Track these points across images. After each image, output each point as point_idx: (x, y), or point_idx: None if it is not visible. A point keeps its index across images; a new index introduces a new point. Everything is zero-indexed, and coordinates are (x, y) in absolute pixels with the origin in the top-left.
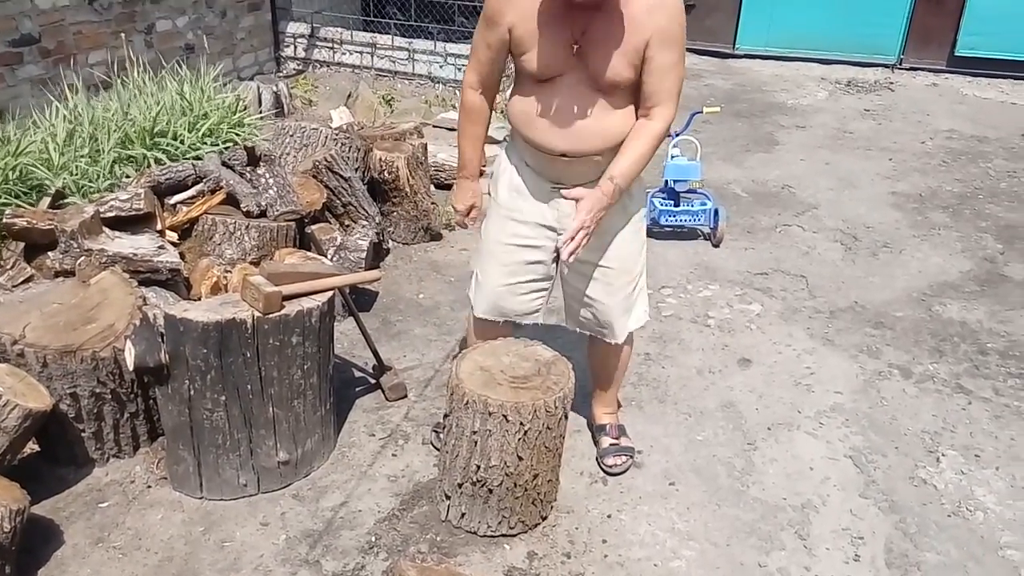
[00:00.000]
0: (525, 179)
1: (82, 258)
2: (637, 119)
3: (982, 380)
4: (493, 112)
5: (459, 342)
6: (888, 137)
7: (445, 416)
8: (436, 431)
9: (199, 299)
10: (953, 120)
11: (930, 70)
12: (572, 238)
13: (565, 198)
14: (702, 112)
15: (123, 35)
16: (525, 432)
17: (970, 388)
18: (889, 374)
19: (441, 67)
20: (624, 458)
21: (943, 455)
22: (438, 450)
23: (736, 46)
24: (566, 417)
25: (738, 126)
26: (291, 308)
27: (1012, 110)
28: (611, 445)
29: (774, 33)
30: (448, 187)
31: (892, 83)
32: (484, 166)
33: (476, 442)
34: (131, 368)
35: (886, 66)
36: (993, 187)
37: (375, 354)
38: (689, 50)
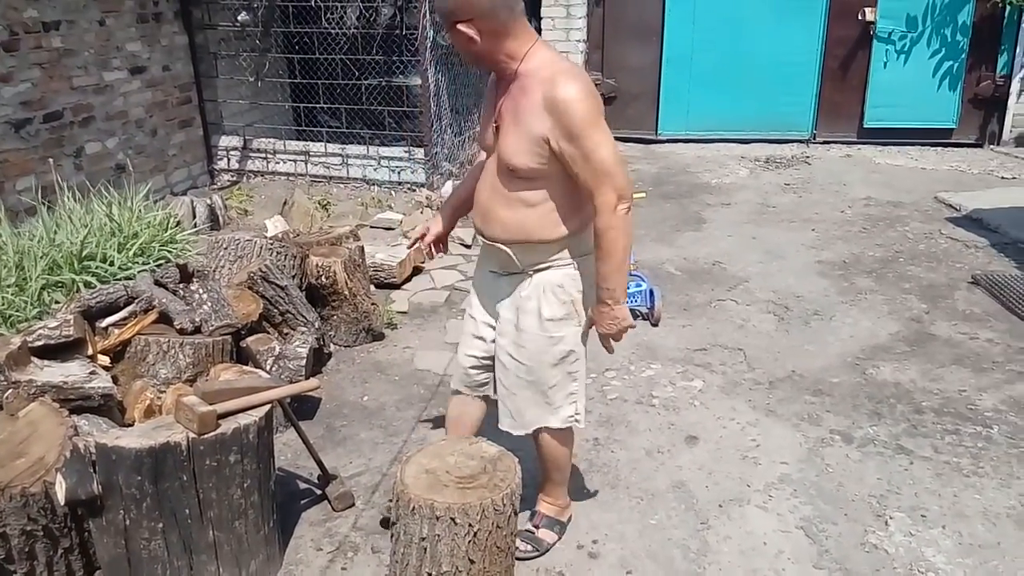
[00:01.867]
0: (481, 259)
1: (9, 391)
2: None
3: (921, 439)
4: None
5: (405, 443)
6: (809, 208)
7: (391, 523)
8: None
9: (133, 423)
10: (869, 188)
11: (843, 142)
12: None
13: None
14: None
15: (51, 160)
16: (475, 534)
17: (910, 448)
18: (831, 440)
19: (375, 170)
20: (528, 547)
21: (891, 518)
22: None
23: (658, 132)
24: (516, 514)
25: (667, 207)
26: (227, 426)
27: (922, 174)
28: (525, 531)
29: (693, 118)
30: (388, 286)
31: (808, 157)
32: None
33: (426, 548)
34: (62, 502)
35: (801, 141)
36: (912, 249)
37: (319, 464)
38: (615, 138)
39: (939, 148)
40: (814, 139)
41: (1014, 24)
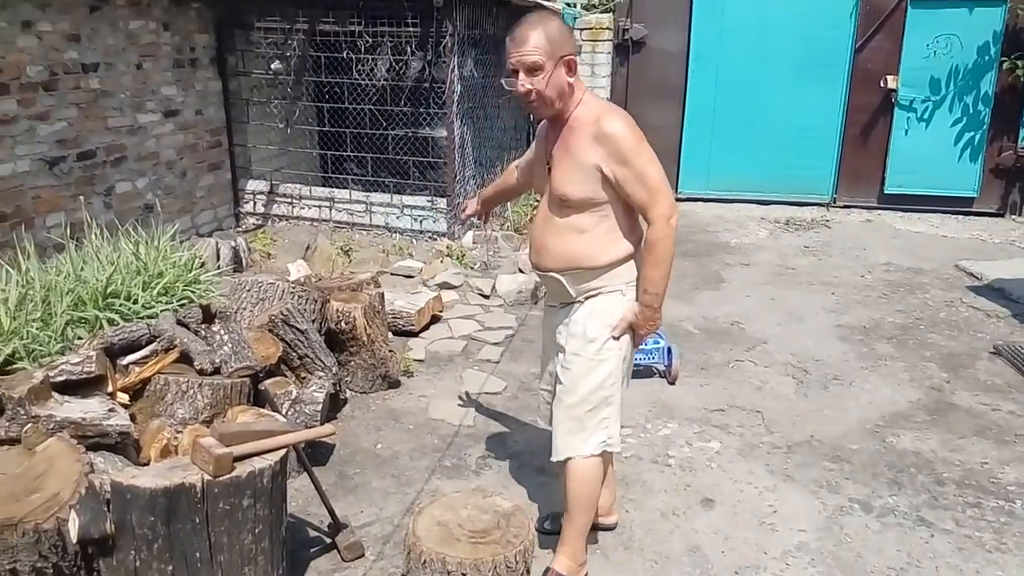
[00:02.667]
0: (546, 297)
1: (29, 425)
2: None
3: (942, 511)
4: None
5: (418, 494)
6: (829, 272)
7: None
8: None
9: (148, 463)
10: (889, 253)
11: (863, 207)
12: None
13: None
14: None
15: (82, 198)
16: None
17: (931, 520)
18: (850, 509)
19: (398, 218)
20: None
21: None
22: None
23: (678, 190)
24: (528, 572)
25: (686, 265)
26: (242, 469)
27: (943, 242)
28: None
29: (713, 177)
30: (406, 334)
31: (828, 220)
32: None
33: None
34: (74, 540)
35: (821, 204)
36: (933, 317)
37: (330, 512)
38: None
39: (960, 216)
40: (834, 203)
41: None
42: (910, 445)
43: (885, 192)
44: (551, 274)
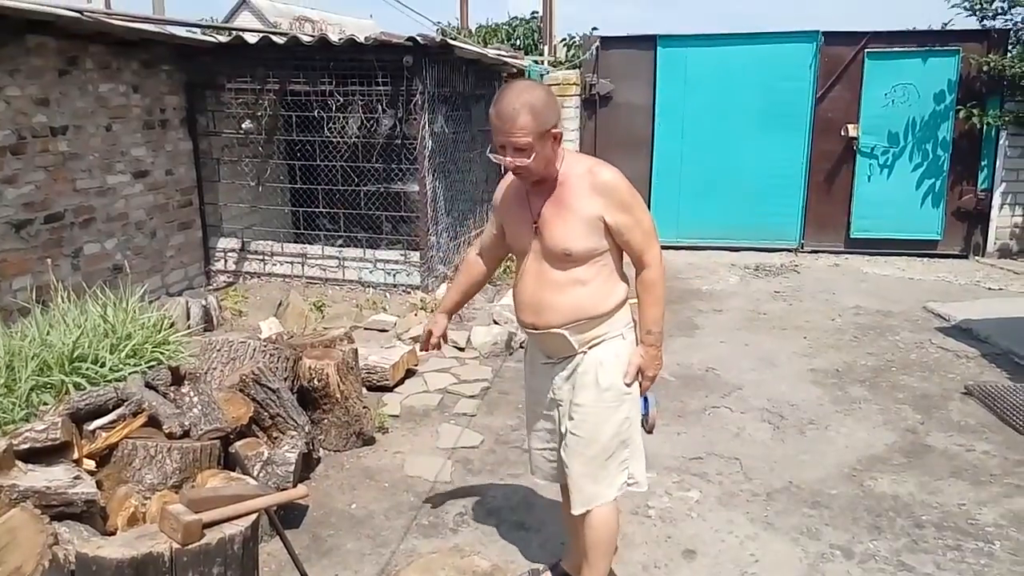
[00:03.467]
0: (530, 354)
1: None
2: (636, 274)
3: (922, 555)
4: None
5: (393, 554)
6: (800, 316)
7: None
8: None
9: (115, 531)
10: (858, 297)
11: (831, 251)
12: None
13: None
14: None
15: (49, 260)
16: None
17: (912, 564)
18: (832, 555)
19: (371, 272)
20: None
21: None
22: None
23: None
24: None
25: None
26: (212, 536)
27: (910, 284)
28: None
29: (683, 225)
30: (380, 388)
31: (797, 265)
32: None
33: None
34: None
35: (790, 250)
36: (904, 358)
37: None
38: None
39: (925, 259)
40: (802, 248)
41: (992, 140)
42: (888, 488)
43: (851, 236)
44: (552, 331)
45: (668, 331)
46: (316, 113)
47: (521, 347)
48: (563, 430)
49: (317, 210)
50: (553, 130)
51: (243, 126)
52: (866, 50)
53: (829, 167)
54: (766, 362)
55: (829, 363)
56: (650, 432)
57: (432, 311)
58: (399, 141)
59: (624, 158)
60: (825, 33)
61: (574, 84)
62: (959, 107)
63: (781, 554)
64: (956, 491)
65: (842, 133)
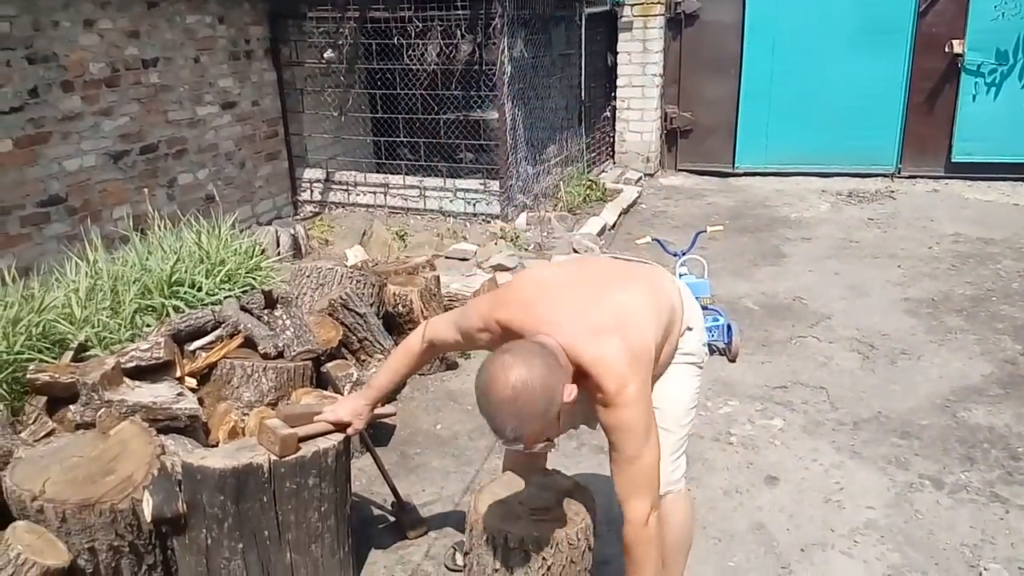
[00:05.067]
0: None
1: (102, 409)
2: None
3: (1017, 487)
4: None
5: (478, 472)
6: (894, 244)
7: (465, 554)
8: (455, 548)
9: (217, 445)
10: (957, 224)
11: (930, 177)
12: None
13: None
14: (706, 231)
15: (146, 190)
16: (548, 567)
17: (1006, 496)
18: (921, 486)
19: (451, 201)
20: None
21: (985, 569)
22: (452, 571)
23: (736, 165)
24: (590, 549)
25: (744, 241)
26: (307, 449)
27: (1015, 211)
28: None
29: (772, 151)
30: None
31: (893, 191)
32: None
33: None
34: (149, 519)
35: (885, 175)
36: (1006, 288)
37: (393, 490)
38: (690, 171)
39: None
40: (899, 173)
41: None
42: (983, 420)
43: (952, 161)
44: None
45: (753, 260)
46: (396, 40)
47: None
48: None
49: (398, 139)
50: (559, 409)
51: (325, 55)
52: None
53: (931, 86)
54: (857, 291)
55: (924, 292)
56: (733, 361)
57: (513, 240)
58: (478, 67)
59: (710, 80)
60: None
61: (658, 3)
62: None
63: (867, 482)
64: None
65: (946, 50)
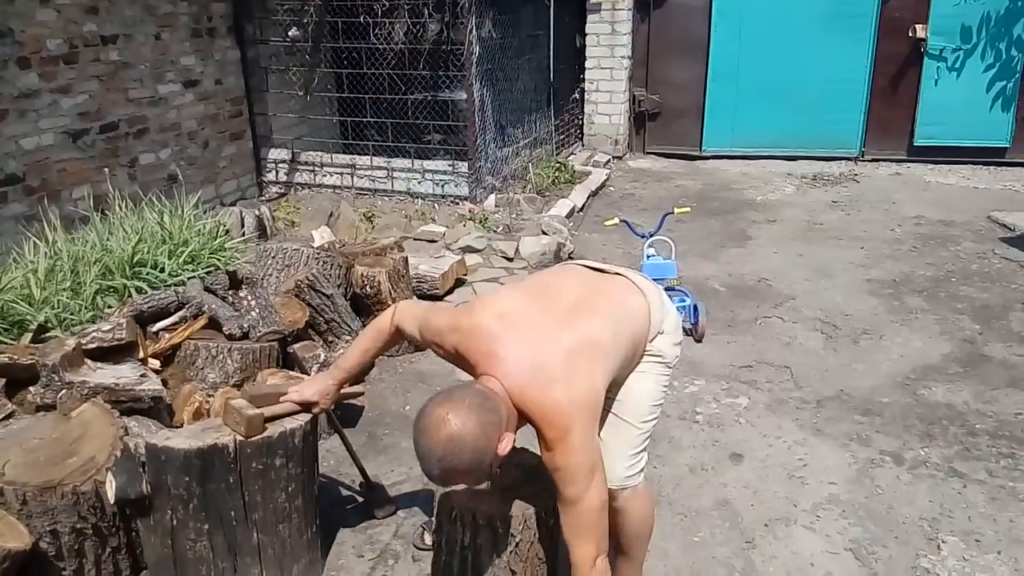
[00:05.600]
0: None
1: (63, 391)
2: None
3: (975, 462)
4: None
5: None
6: (858, 226)
7: (433, 533)
8: (424, 527)
9: (181, 426)
10: (919, 207)
11: (892, 160)
12: None
13: None
14: (673, 213)
15: (106, 170)
16: (516, 544)
17: (964, 471)
18: (882, 461)
19: (419, 183)
20: None
21: (943, 542)
22: (421, 550)
23: (703, 148)
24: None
25: (711, 223)
26: (274, 429)
27: (974, 194)
28: None
29: (738, 134)
30: (430, 298)
31: (857, 175)
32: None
33: (467, 557)
34: (112, 501)
35: (849, 159)
36: (965, 269)
37: (361, 471)
38: (658, 154)
39: (992, 167)
40: (862, 156)
41: None
42: (942, 397)
43: (915, 144)
44: None
45: (719, 242)
46: (362, 19)
47: (571, 257)
48: None
49: (365, 119)
50: (499, 451)
51: (290, 33)
52: None
53: (894, 71)
54: (821, 272)
55: (886, 273)
56: (699, 341)
57: (481, 222)
58: (446, 47)
59: (678, 63)
60: None
61: None
62: None
63: (830, 459)
64: (1013, 400)
65: (909, 34)
